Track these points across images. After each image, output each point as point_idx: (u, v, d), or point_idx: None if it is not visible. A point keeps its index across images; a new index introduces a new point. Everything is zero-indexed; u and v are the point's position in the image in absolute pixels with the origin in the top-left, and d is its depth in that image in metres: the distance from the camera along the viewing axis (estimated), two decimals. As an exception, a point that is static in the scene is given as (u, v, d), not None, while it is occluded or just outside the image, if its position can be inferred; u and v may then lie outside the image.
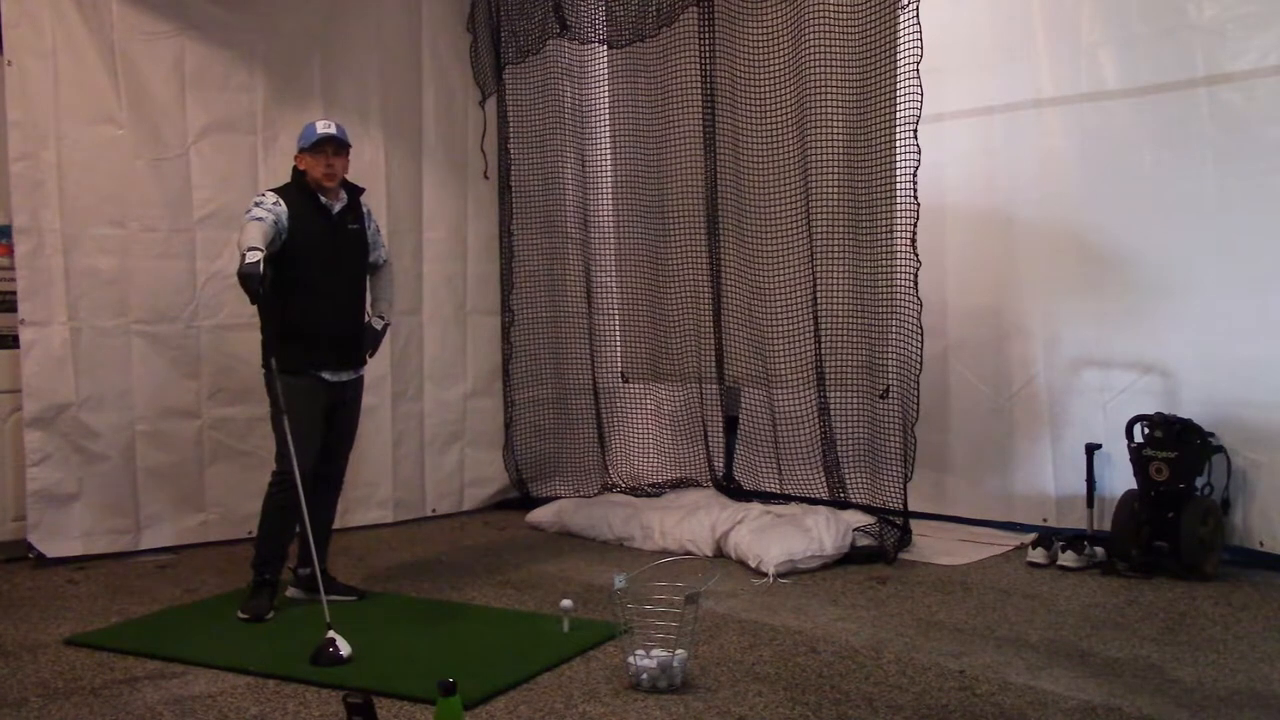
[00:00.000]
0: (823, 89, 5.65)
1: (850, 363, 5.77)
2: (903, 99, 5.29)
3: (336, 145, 4.65)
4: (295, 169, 4.72)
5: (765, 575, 5.13)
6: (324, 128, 4.66)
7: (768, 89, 5.93)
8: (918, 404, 5.42)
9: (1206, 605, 4.61)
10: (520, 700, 3.61)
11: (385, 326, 4.97)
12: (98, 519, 5.70)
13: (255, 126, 6.11)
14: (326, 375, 4.66)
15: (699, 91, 6.28)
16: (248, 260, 4.17)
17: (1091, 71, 5.62)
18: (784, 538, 5.31)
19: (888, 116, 5.39)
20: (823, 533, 5.35)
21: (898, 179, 5.39)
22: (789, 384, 6.06)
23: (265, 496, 4.68)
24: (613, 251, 6.96)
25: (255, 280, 4.16)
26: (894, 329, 5.53)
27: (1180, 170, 5.35)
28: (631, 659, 3.70)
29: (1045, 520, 5.84)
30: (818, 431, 5.95)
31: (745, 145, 6.08)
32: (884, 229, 5.53)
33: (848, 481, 5.89)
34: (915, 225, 5.28)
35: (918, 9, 5.21)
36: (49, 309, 5.59)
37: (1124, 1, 5.48)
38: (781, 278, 5.99)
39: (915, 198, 5.26)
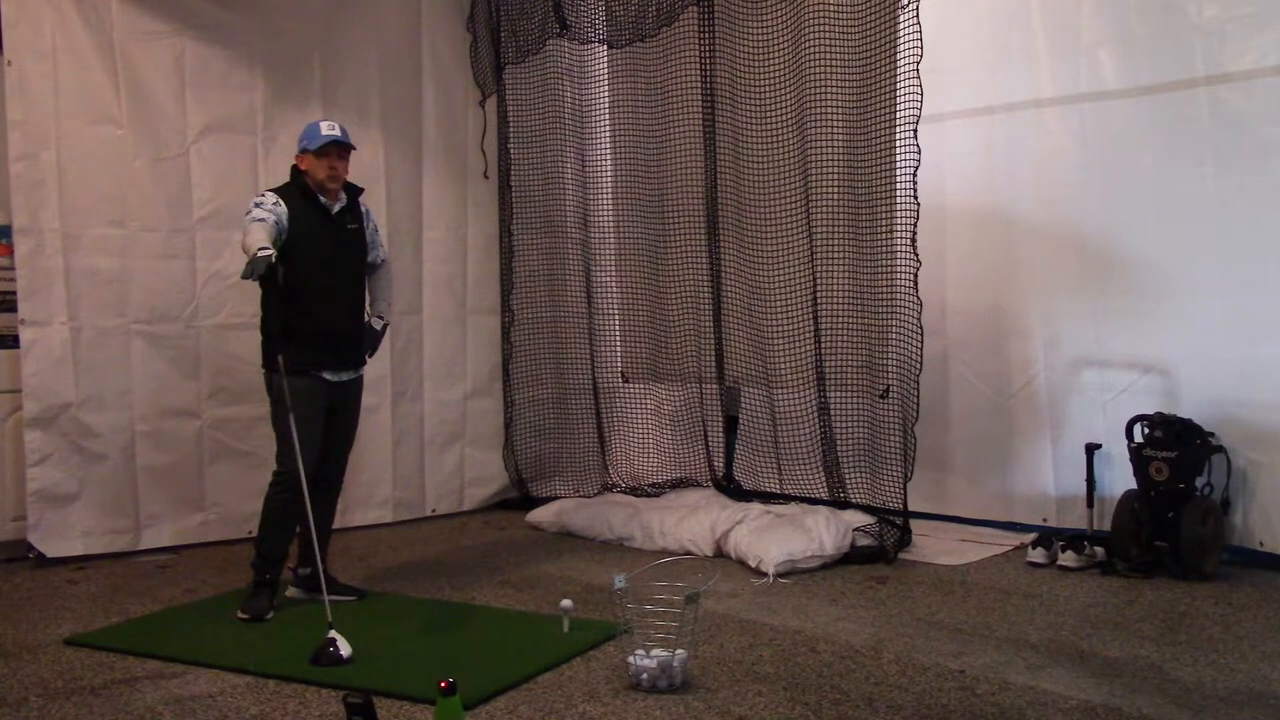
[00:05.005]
0: (823, 89, 5.65)
1: (850, 363, 5.77)
2: (903, 99, 5.29)
3: (342, 149, 4.65)
4: (295, 169, 4.72)
5: (765, 575, 5.13)
6: (329, 130, 4.65)
7: (768, 89, 5.93)
8: (918, 404, 5.42)
9: (1206, 605, 4.60)
10: (520, 700, 3.61)
11: (385, 326, 4.98)
12: (98, 519, 5.70)
13: (255, 126, 6.11)
14: (327, 375, 4.67)
15: (699, 91, 6.28)
16: (259, 255, 4.16)
17: (1091, 71, 5.62)
18: (784, 538, 5.31)
19: (888, 116, 5.39)
20: (823, 533, 5.35)
21: (898, 179, 5.38)
22: (789, 384, 6.06)
23: (266, 496, 4.68)
24: (613, 251, 6.96)
25: (262, 264, 4.14)
26: (894, 329, 5.53)
27: (1180, 170, 5.35)
28: (631, 659, 3.70)
29: (1045, 520, 5.84)
30: (818, 431, 5.95)
31: (745, 145, 6.08)
32: (884, 229, 5.53)
33: (848, 481, 5.89)
34: (915, 225, 5.28)
35: (918, 9, 5.21)
36: (49, 309, 5.59)
37: (1124, 1, 5.48)
38: (781, 278, 5.98)
39: (915, 198, 5.26)
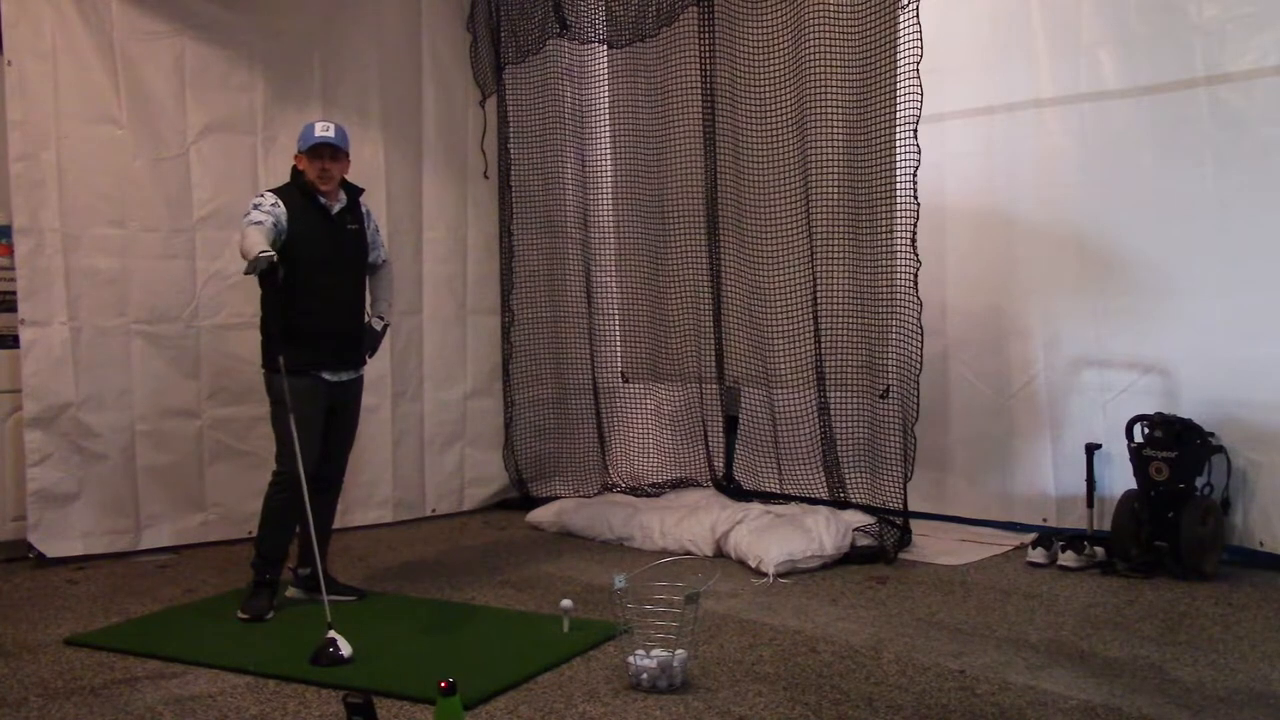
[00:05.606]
0: (823, 89, 5.65)
1: (850, 363, 5.77)
2: (903, 99, 5.29)
3: (333, 150, 4.64)
4: (294, 169, 4.72)
5: (765, 575, 5.13)
6: (322, 130, 4.65)
7: (768, 89, 5.93)
8: (918, 404, 5.42)
9: (1206, 605, 4.61)
10: (520, 700, 3.61)
11: (385, 327, 4.98)
12: (98, 519, 5.70)
13: (255, 126, 6.11)
14: (326, 375, 4.67)
15: (699, 91, 6.28)
16: (260, 256, 4.17)
17: (1091, 71, 5.62)
18: (784, 538, 5.31)
19: (888, 116, 5.39)
20: (823, 533, 5.35)
21: (898, 179, 5.39)
22: (789, 384, 6.06)
23: (266, 496, 4.68)
24: (613, 251, 6.96)
25: (264, 262, 4.16)
26: (894, 329, 5.53)
27: (1180, 170, 5.35)
28: (631, 659, 3.70)
29: (1045, 520, 5.84)
30: (818, 431, 5.95)
31: (745, 145, 6.08)
32: (884, 229, 5.53)
33: (848, 481, 5.89)
34: (915, 225, 5.29)
35: (918, 9, 5.21)
36: (49, 309, 5.59)
37: (1124, 1, 5.48)
38: (781, 278, 5.98)
39: (915, 198, 5.27)
